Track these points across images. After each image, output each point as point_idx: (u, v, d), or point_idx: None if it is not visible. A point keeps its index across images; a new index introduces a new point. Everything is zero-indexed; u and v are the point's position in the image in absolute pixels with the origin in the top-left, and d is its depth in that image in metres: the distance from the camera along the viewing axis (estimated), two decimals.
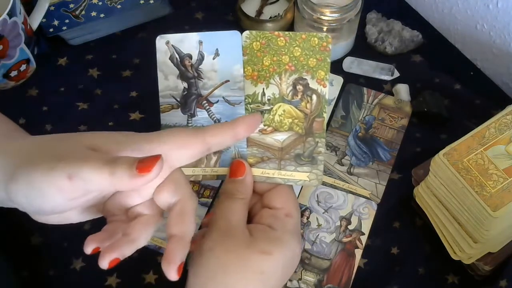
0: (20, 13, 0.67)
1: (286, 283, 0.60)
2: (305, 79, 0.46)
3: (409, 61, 0.75)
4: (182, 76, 0.47)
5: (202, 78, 0.47)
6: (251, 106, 0.47)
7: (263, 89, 0.47)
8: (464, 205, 0.54)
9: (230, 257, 0.42)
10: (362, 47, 0.76)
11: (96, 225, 0.64)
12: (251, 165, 0.48)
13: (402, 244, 0.63)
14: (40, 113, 0.72)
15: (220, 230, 0.44)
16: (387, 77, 0.74)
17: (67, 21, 0.75)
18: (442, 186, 0.56)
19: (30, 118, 0.71)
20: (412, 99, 0.72)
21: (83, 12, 0.76)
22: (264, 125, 0.48)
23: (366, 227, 0.63)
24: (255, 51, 0.46)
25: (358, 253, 0.62)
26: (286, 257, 0.44)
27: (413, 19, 0.79)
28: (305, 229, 0.63)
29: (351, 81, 0.73)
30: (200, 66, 0.47)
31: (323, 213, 0.64)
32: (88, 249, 0.40)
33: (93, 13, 0.76)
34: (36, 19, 0.73)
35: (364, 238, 0.63)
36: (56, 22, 0.75)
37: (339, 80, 0.73)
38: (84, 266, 0.61)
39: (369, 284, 0.60)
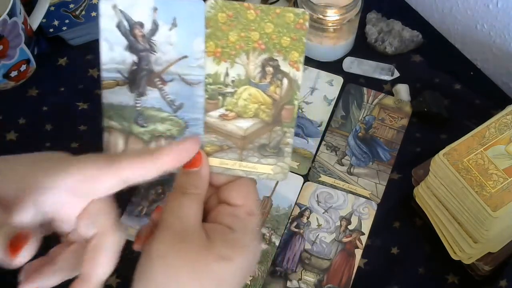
0: (20, 13, 0.67)
1: (287, 283, 0.60)
2: (276, 60, 0.41)
3: (409, 61, 0.75)
4: (131, 48, 0.41)
5: (155, 52, 0.41)
6: (212, 87, 0.42)
7: (227, 68, 0.41)
8: (464, 205, 0.54)
9: (184, 263, 0.38)
10: (362, 47, 0.76)
11: None
12: (208, 154, 0.43)
13: (402, 244, 0.63)
14: (40, 113, 0.72)
15: (172, 232, 0.39)
16: (387, 77, 0.74)
17: (67, 21, 0.75)
18: (442, 186, 0.56)
19: (30, 118, 0.71)
20: (412, 99, 0.72)
21: (83, 12, 0.76)
22: (226, 110, 0.42)
23: (366, 227, 0.63)
24: (220, 24, 0.40)
25: (358, 253, 0.62)
26: (247, 261, 0.40)
27: (413, 19, 0.79)
28: (305, 229, 0.63)
29: (351, 81, 0.73)
30: (153, 37, 0.41)
31: (323, 213, 0.64)
32: (21, 277, 0.38)
33: (93, 13, 0.76)
34: (36, 19, 0.73)
35: (364, 238, 0.63)
36: (56, 22, 0.75)
37: (339, 80, 0.73)
38: None
39: (369, 284, 0.60)
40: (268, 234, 0.63)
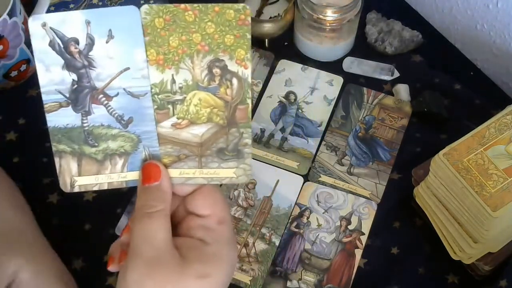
0: (20, 13, 0.67)
1: (287, 283, 0.60)
2: (223, 60, 0.40)
3: (409, 61, 0.75)
4: (69, 66, 0.39)
5: (94, 67, 0.39)
6: (160, 96, 0.40)
7: (173, 75, 0.40)
8: (464, 205, 0.54)
9: None
10: (362, 47, 0.76)
11: (97, 225, 0.64)
12: (166, 166, 0.41)
13: (402, 244, 0.63)
14: (40, 113, 0.71)
15: (144, 258, 0.38)
16: (387, 77, 0.74)
17: None
18: (442, 186, 0.56)
19: (30, 118, 0.71)
20: (412, 99, 0.72)
21: None
22: (178, 118, 0.41)
23: (366, 227, 0.63)
24: (159, 30, 0.39)
25: (358, 253, 0.62)
26: (226, 272, 0.40)
27: (413, 19, 0.79)
28: (305, 229, 0.63)
29: (351, 81, 0.73)
30: (90, 53, 0.39)
31: (323, 213, 0.64)
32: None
33: None
34: None
35: (364, 238, 0.63)
36: None
37: (339, 80, 0.73)
38: (84, 266, 0.61)
39: (369, 284, 0.60)
40: (268, 234, 0.63)
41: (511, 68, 0.76)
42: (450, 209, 0.57)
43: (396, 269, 0.61)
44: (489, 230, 0.53)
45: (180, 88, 0.40)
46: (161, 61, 0.40)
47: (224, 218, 0.41)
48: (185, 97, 0.41)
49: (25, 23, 0.68)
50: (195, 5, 0.38)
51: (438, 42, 0.78)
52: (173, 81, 0.40)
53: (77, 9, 0.76)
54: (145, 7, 0.38)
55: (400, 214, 0.64)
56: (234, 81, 0.40)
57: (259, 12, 0.77)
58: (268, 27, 0.75)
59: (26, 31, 0.69)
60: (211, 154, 0.42)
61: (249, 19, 0.39)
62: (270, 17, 0.76)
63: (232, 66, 0.40)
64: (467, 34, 0.78)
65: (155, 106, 0.41)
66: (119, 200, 0.64)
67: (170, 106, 0.41)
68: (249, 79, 0.40)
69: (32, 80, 0.74)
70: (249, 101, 0.41)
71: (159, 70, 0.40)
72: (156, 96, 0.40)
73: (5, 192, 0.54)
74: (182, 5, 0.38)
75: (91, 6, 0.76)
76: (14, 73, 0.70)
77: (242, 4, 0.39)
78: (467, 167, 0.53)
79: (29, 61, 0.71)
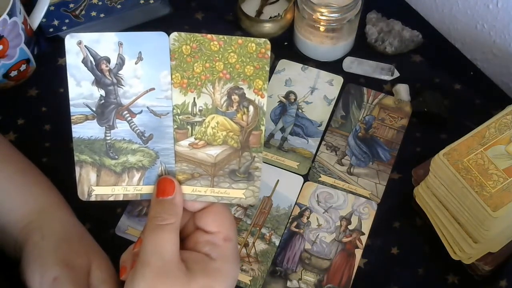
0: (20, 13, 0.67)
1: (287, 283, 0.60)
2: (241, 88, 0.43)
3: (409, 61, 0.75)
4: (98, 83, 0.42)
5: (122, 85, 0.42)
6: (180, 117, 0.43)
7: (194, 98, 0.43)
8: (464, 205, 0.54)
9: None
10: (362, 47, 0.76)
11: (97, 224, 0.64)
12: (180, 183, 0.44)
13: (402, 244, 0.63)
14: (39, 114, 0.72)
15: (152, 268, 0.40)
16: (387, 77, 0.74)
17: (67, 21, 0.75)
18: (442, 186, 0.56)
19: (30, 118, 0.71)
20: (412, 99, 0.72)
21: (83, 12, 0.76)
22: (195, 139, 0.44)
23: (366, 227, 0.63)
24: (185, 56, 0.42)
25: (358, 253, 0.62)
26: (228, 287, 0.42)
27: (413, 19, 0.79)
28: (305, 229, 0.63)
29: (351, 81, 0.73)
30: (120, 72, 0.42)
31: (323, 213, 0.64)
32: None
33: (93, 13, 0.76)
34: (36, 19, 0.72)
35: (364, 238, 0.63)
36: (56, 22, 0.75)
37: (339, 80, 0.73)
38: None
39: (369, 284, 0.60)
40: (268, 234, 0.63)
41: (511, 68, 0.76)
42: (450, 209, 0.57)
43: (396, 269, 0.61)
44: (489, 230, 0.53)
45: (200, 111, 0.43)
46: (184, 85, 0.43)
47: (230, 236, 0.43)
48: (204, 120, 0.44)
49: (25, 23, 0.68)
50: (221, 36, 0.42)
51: (438, 42, 0.78)
52: (194, 104, 0.43)
53: (77, 9, 0.76)
54: (174, 34, 0.42)
55: (400, 214, 0.64)
56: (251, 108, 0.43)
57: (259, 12, 0.77)
58: (268, 27, 0.75)
59: (26, 31, 0.69)
60: (223, 175, 0.44)
61: (269, 53, 0.42)
62: (270, 17, 0.76)
63: (250, 95, 0.43)
64: (467, 34, 0.78)
65: (175, 126, 0.43)
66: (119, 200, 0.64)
67: (189, 127, 0.44)
68: (265, 108, 0.43)
69: (32, 80, 0.74)
70: (263, 127, 0.43)
71: (182, 93, 0.43)
72: (177, 116, 0.43)
73: (63, 199, 0.56)
74: (209, 35, 0.42)
75: (91, 6, 0.76)
76: (13, 73, 0.70)
77: (264, 39, 0.42)
78: (467, 167, 0.53)
79: (28, 61, 0.71)
